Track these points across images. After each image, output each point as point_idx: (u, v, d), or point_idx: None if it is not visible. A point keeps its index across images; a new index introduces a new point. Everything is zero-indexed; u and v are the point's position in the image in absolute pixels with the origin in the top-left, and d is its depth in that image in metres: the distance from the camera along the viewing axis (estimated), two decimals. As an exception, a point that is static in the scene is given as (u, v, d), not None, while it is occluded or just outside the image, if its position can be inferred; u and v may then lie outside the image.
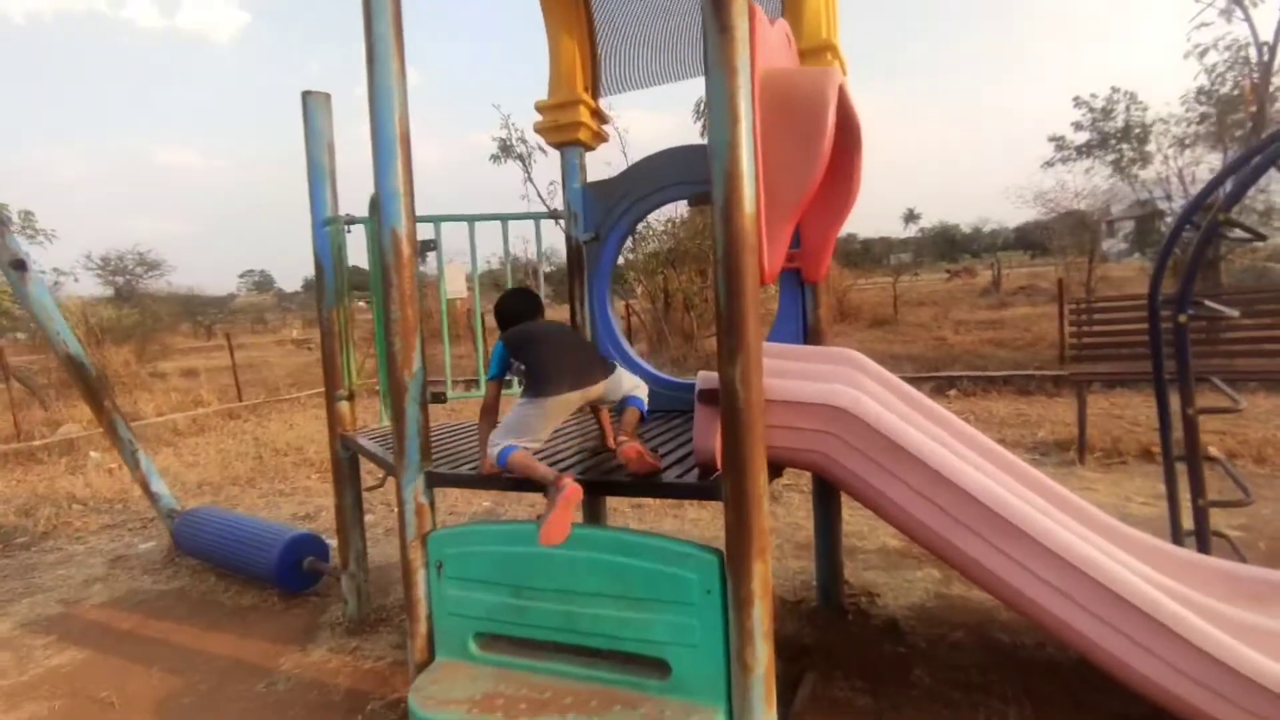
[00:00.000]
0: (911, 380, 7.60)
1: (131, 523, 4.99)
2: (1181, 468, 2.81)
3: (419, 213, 2.22)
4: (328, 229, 3.00)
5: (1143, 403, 6.34)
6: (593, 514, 3.33)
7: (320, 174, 3.01)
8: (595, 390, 2.18)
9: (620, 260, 13.13)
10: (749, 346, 1.74)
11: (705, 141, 1.82)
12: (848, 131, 2.31)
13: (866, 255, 28.35)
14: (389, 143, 2.12)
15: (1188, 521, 2.82)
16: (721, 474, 1.81)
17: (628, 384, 2.27)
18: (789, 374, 2.09)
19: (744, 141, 1.71)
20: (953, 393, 7.39)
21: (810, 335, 2.78)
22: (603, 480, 2.03)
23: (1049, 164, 12.79)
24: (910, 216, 68.93)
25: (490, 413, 2.29)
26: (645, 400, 2.25)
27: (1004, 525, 1.77)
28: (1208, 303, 2.61)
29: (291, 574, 3.37)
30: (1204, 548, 2.62)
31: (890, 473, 1.80)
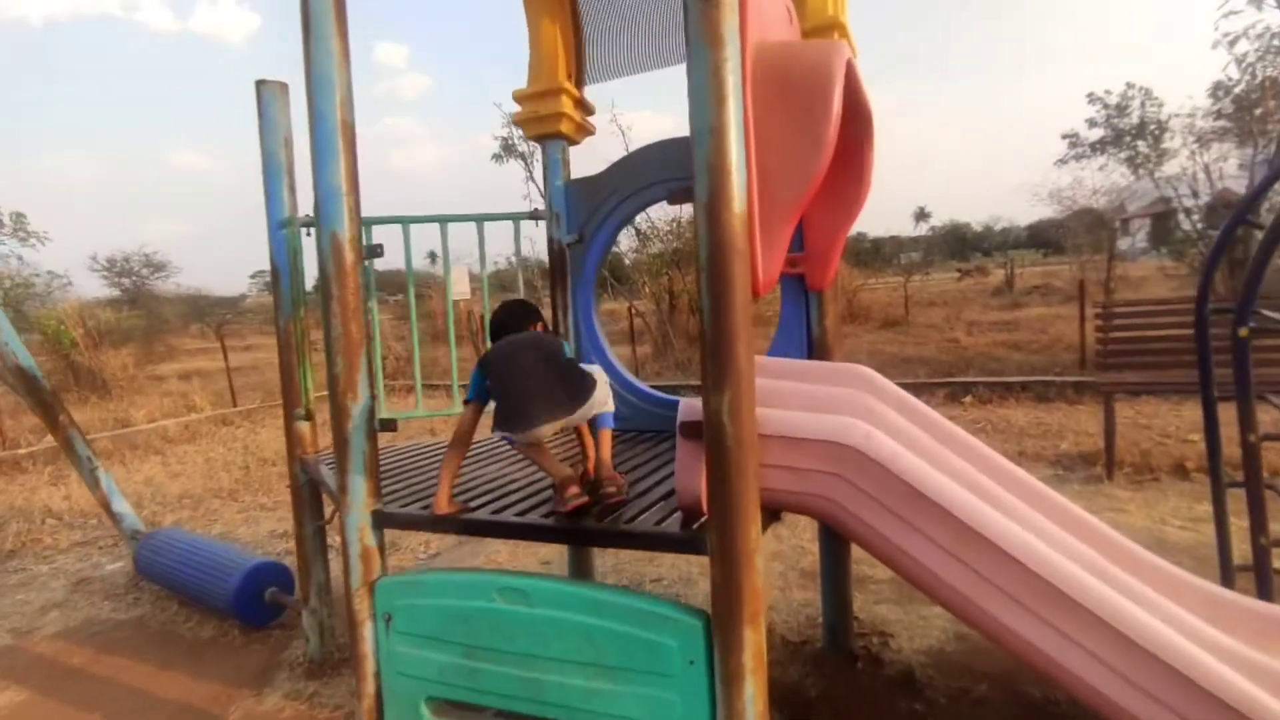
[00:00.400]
0: (925, 386, 7.32)
1: (103, 540, 4.75)
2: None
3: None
4: (284, 231, 2.73)
5: (1170, 411, 5.99)
6: (578, 551, 3.04)
7: (277, 170, 2.74)
8: (571, 419, 1.89)
9: (626, 261, 12.92)
10: (739, 372, 1.45)
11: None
12: (857, 118, 2.02)
13: (876, 255, 27.94)
14: (329, 133, 1.85)
15: (1234, 547, 2.52)
16: (707, 523, 1.52)
17: (601, 395, 1.97)
18: (788, 399, 1.80)
19: (732, 126, 1.42)
20: (968, 399, 7.06)
21: (816, 349, 2.49)
22: (567, 528, 1.74)
23: (1062, 161, 12.51)
24: (921, 215, 68.39)
25: (462, 441, 1.98)
26: (611, 408, 2.00)
27: (1047, 590, 1.47)
28: (1266, 313, 2.30)
29: (252, 606, 3.11)
30: (1264, 592, 2.30)
31: (910, 525, 1.50)
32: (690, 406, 1.60)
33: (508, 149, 13.05)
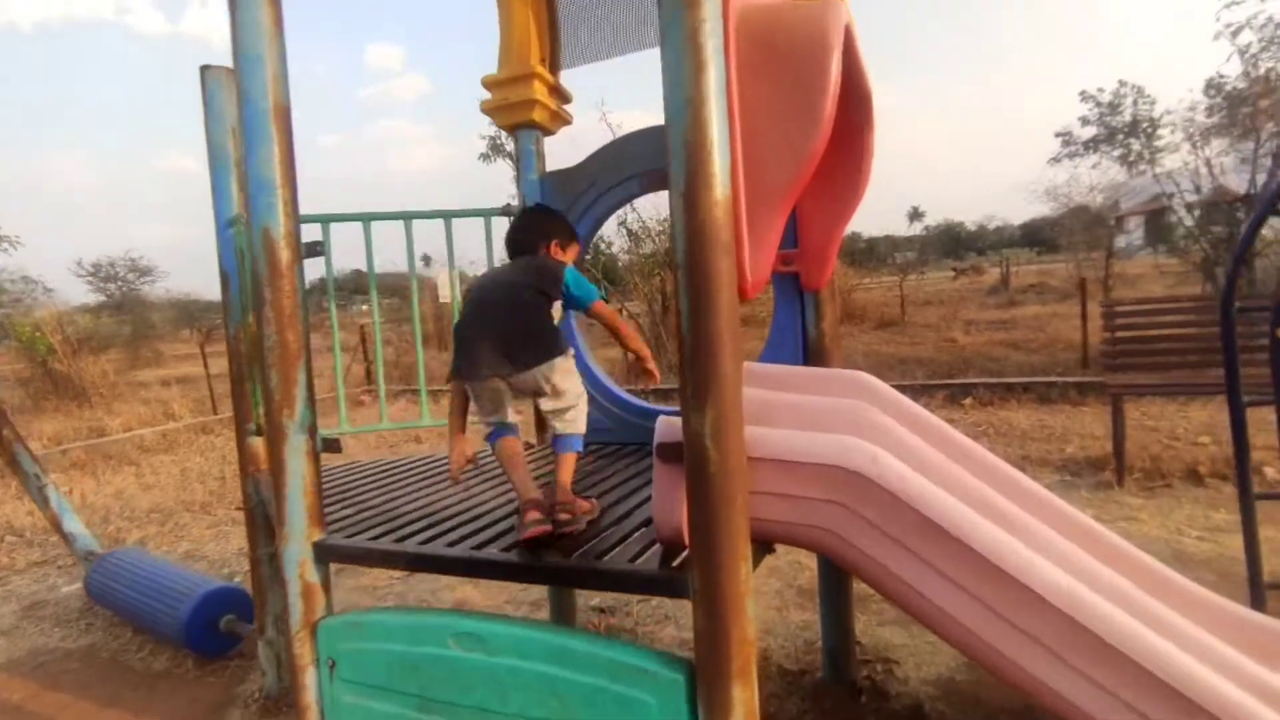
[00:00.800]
0: (924, 388, 7.12)
1: (63, 559, 4.50)
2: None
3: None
4: (232, 230, 2.51)
5: (1176, 412, 5.81)
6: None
7: (224, 164, 2.52)
8: (513, 381, 1.68)
9: (620, 262, 12.68)
10: (723, 386, 1.24)
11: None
12: (856, 97, 1.81)
13: (871, 254, 27.80)
14: (259, 117, 1.64)
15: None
16: (689, 559, 1.31)
17: (569, 401, 1.72)
18: (780, 413, 1.59)
19: (712, 97, 1.21)
20: (968, 401, 6.86)
21: (812, 354, 2.28)
22: (527, 566, 1.52)
23: (1055, 160, 12.44)
24: (915, 214, 68.50)
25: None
26: (578, 430, 1.74)
27: (1078, 635, 1.26)
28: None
29: (206, 636, 2.88)
30: (1305, 616, 2.10)
31: (921, 559, 1.29)
32: (669, 425, 1.39)
33: (495, 148, 12.81)
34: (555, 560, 1.48)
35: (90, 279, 23.35)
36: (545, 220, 1.96)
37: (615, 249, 12.65)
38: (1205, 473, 4.24)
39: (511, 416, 1.74)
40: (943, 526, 1.28)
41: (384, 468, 2.59)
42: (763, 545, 1.55)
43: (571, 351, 1.74)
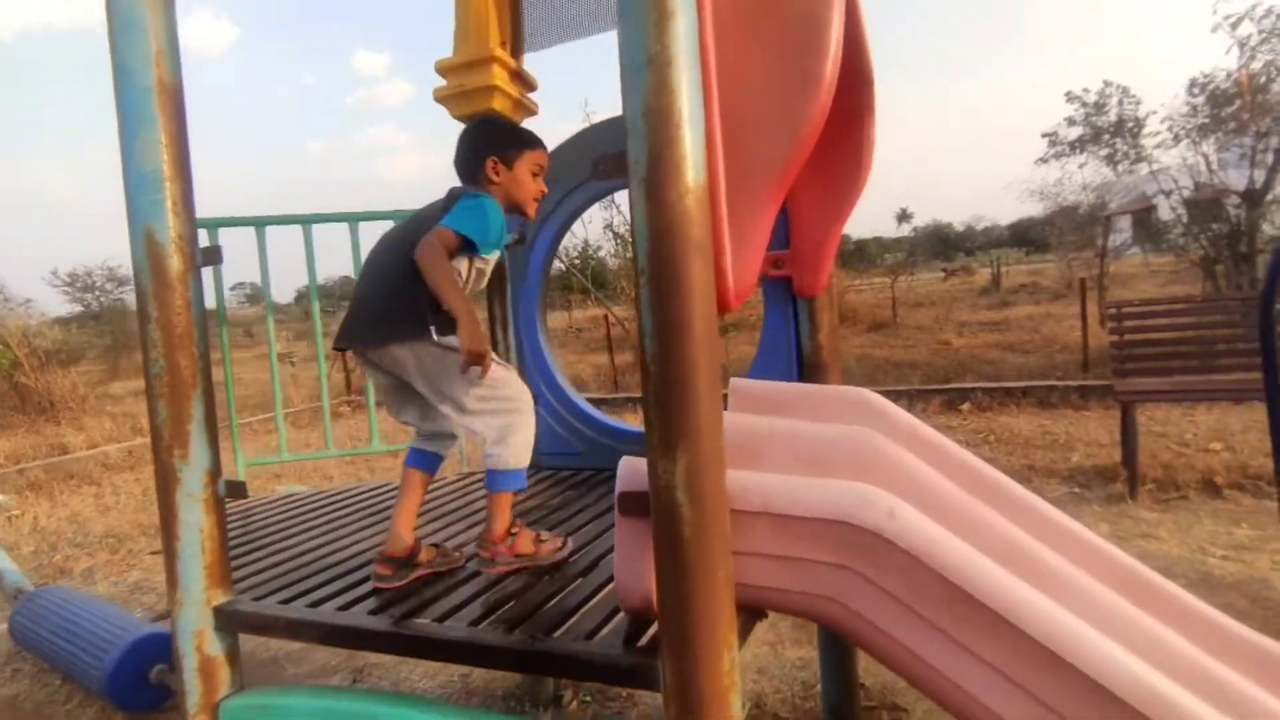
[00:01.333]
0: (920, 394, 6.88)
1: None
2: None
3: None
4: (151, 235, 2.22)
5: (1183, 417, 5.59)
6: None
7: (142, 161, 2.23)
8: (379, 359, 1.41)
9: (613, 264, 12.39)
10: (699, 427, 0.97)
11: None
12: (858, 74, 1.55)
13: (860, 256, 27.64)
14: (139, 95, 1.36)
15: None
16: (660, 639, 1.04)
17: (465, 400, 1.35)
18: (772, 449, 1.32)
19: (682, 54, 0.94)
20: (965, 406, 6.61)
21: (807, 369, 2.01)
22: (463, 643, 1.23)
23: (1043, 160, 12.33)
24: (903, 216, 68.79)
25: None
26: (509, 465, 1.41)
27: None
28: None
29: (133, 689, 2.57)
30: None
31: (950, 638, 1.03)
32: (633, 468, 1.11)
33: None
34: (493, 639, 1.20)
35: (66, 289, 22.69)
36: (478, 135, 1.51)
37: (604, 252, 12.37)
38: (1222, 483, 4.00)
39: (428, 439, 1.49)
40: (978, 598, 1.01)
41: (324, 501, 2.30)
42: (753, 612, 1.28)
43: (494, 417, 1.40)
